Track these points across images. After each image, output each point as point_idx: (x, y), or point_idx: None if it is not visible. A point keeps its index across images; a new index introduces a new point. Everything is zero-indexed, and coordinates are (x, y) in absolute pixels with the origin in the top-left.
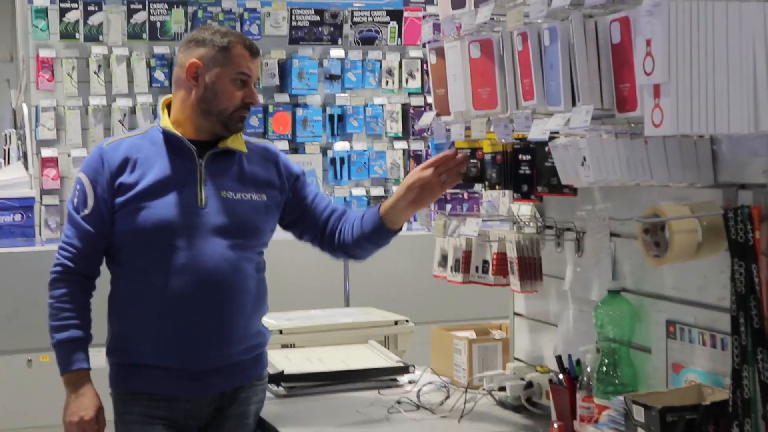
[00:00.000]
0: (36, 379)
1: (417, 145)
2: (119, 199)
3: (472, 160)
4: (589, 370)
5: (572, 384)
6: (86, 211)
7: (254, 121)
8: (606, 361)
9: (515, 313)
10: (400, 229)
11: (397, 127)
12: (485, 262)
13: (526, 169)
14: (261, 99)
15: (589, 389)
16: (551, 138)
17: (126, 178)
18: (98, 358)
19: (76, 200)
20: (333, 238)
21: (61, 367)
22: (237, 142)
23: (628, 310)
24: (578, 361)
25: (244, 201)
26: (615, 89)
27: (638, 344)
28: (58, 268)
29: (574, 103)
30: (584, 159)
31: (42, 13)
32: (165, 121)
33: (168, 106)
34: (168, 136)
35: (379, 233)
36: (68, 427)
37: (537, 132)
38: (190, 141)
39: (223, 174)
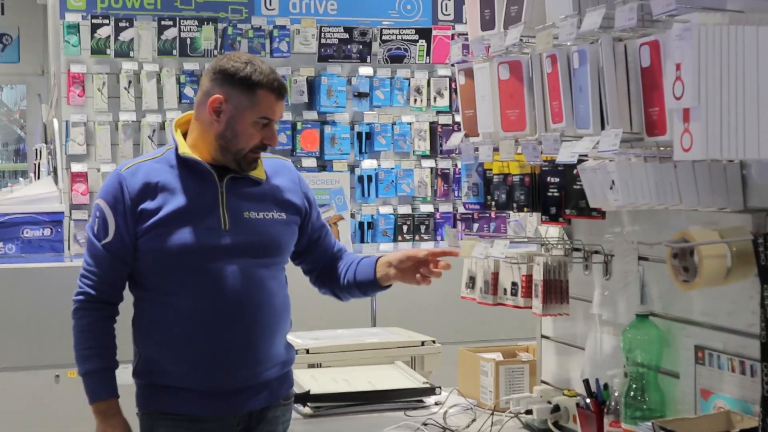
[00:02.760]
0: (63, 395)
1: (444, 164)
2: (142, 226)
3: None
4: (616, 394)
5: (600, 408)
6: (107, 239)
7: (282, 138)
8: (634, 385)
9: (542, 336)
10: (390, 286)
11: (424, 146)
12: (514, 284)
13: (555, 192)
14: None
15: (617, 414)
16: (580, 161)
17: (148, 204)
18: (125, 375)
19: (96, 228)
20: (326, 276)
21: (89, 397)
22: (257, 170)
23: (656, 334)
24: (606, 385)
25: (267, 220)
26: (644, 113)
27: (666, 369)
28: (81, 297)
29: (603, 126)
30: (613, 182)
31: (74, 28)
32: (183, 147)
33: (180, 125)
34: (187, 162)
35: (372, 287)
36: None
37: (566, 154)
38: (209, 164)
39: (244, 195)
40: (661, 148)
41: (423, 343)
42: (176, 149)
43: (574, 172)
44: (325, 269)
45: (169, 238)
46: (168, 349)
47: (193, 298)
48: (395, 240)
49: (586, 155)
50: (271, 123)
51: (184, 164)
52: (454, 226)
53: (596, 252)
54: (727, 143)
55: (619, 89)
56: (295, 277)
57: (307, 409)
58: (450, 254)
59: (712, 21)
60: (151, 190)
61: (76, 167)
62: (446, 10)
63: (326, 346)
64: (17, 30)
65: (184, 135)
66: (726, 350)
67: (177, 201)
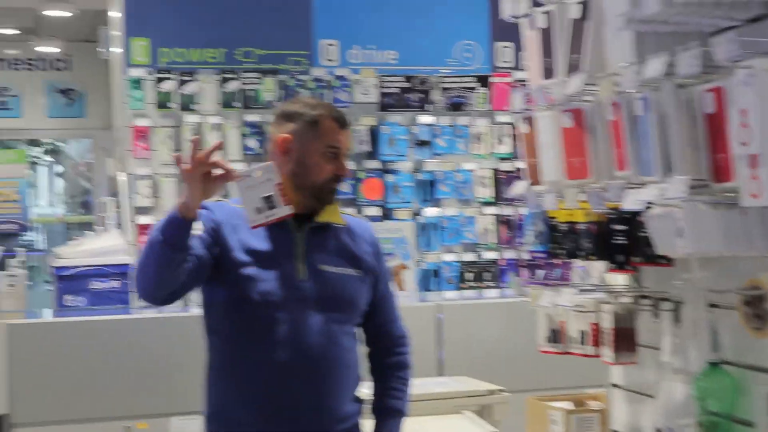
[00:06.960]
0: None
1: (508, 210)
2: (216, 252)
3: None
4: None
5: None
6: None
7: (345, 187)
8: None
9: (612, 384)
10: None
11: (487, 192)
12: (582, 332)
13: (621, 239)
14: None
15: None
16: (645, 208)
17: (228, 235)
18: (194, 426)
19: None
20: (372, 357)
21: (166, 221)
22: (334, 216)
23: (729, 382)
24: None
25: (342, 275)
26: (710, 159)
27: (740, 418)
28: None
29: (667, 173)
30: (681, 230)
31: (137, 83)
32: None
33: None
34: None
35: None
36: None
37: (631, 202)
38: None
39: (321, 247)
40: (728, 195)
41: (491, 392)
42: None
43: (640, 219)
44: (375, 344)
45: (246, 286)
46: (239, 397)
47: (266, 348)
48: (459, 288)
49: (652, 202)
50: (340, 154)
51: None
52: (518, 273)
53: (665, 299)
54: None
55: (684, 136)
56: None
57: None
58: None
59: None
60: (231, 228)
61: (143, 219)
62: (505, 57)
63: None
64: (83, 85)
65: None
66: None
67: (254, 247)
